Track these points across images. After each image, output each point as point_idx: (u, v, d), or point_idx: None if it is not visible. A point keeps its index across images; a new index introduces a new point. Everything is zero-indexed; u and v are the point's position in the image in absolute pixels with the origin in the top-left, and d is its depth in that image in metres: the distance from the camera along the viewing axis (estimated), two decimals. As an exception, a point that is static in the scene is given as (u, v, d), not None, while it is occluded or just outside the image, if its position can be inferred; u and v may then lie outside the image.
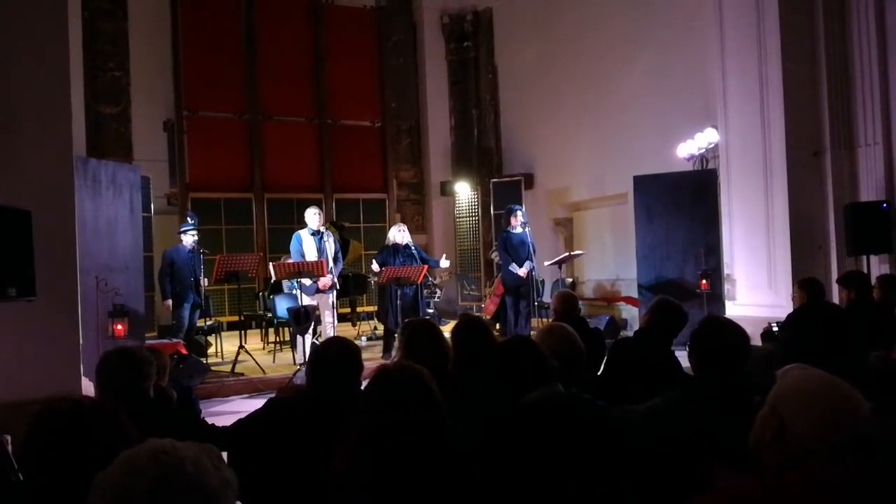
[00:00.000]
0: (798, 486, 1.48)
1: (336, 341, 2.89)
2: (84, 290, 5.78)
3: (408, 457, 1.87)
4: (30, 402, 2.72)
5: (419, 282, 8.13)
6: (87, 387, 5.01)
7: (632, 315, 9.95)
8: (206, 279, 8.24)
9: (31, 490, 1.65)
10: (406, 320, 4.31)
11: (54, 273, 4.80)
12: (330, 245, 7.89)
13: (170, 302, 8.03)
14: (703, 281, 8.22)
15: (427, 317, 8.12)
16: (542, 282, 10.04)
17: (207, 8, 11.55)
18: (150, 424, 1.91)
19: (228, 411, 6.13)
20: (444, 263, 8.64)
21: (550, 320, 5.22)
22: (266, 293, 9.74)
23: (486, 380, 3.00)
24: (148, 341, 7.19)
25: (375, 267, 8.15)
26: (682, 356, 3.16)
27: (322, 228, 7.98)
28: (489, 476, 2.06)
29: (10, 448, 2.35)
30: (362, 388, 2.16)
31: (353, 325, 10.69)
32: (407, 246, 8.25)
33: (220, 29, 11.67)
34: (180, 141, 11.24)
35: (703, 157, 8.89)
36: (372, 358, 7.91)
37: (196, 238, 8.23)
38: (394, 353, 7.36)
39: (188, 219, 8.60)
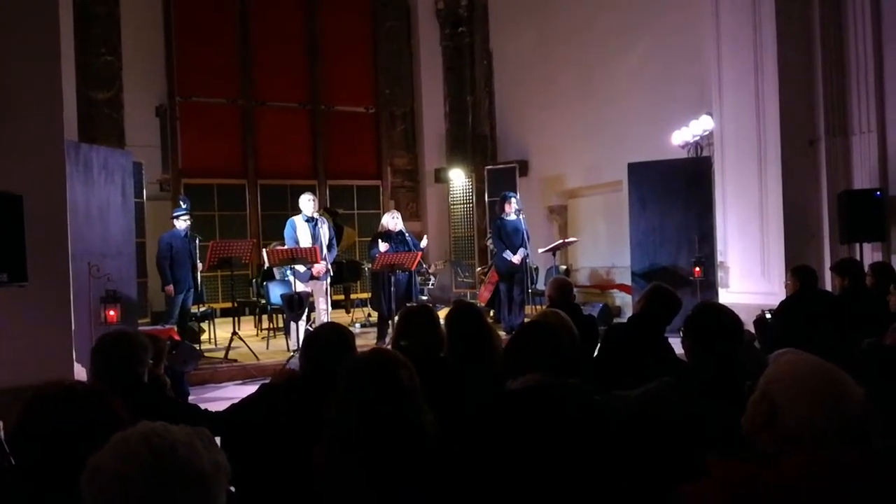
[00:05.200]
0: (790, 472, 1.48)
1: (329, 326, 2.90)
2: (76, 276, 5.77)
3: (373, 442, 1.89)
4: (22, 387, 2.71)
5: (413, 269, 8.12)
6: (80, 372, 5.00)
7: (625, 302, 9.98)
8: (200, 264, 8.21)
9: (23, 475, 1.65)
10: (404, 307, 4.32)
11: (46, 258, 4.78)
12: (324, 231, 7.87)
13: (171, 287, 7.97)
14: (697, 268, 8.24)
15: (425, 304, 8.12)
16: (536, 269, 10.05)
17: (200, -8, 11.46)
18: (144, 409, 1.91)
19: (222, 397, 6.13)
20: (424, 242, 8.60)
21: (545, 307, 5.23)
22: (259, 279, 9.72)
23: (478, 365, 3.01)
24: (140, 327, 7.17)
25: (383, 247, 8.02)
26: (676, 343, 3.17)
27: (316, 215, 7.95)
28: (475, 463, 2.06)
29: (2, 434, 2.35)
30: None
31: (347, 311, 10.69)
32: (400, 232, 8.23)
33: (214, 14, 11.58)
34: (173, 126, 11.16)
35: (697, 145, 8.88)
36: (366, 345, 7.90)
37: (189, 223, 8.19)
38: (387, 340, 7.34)
39: (181, 203, 8.55)
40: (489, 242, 10.01)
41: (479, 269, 11.13)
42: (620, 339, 3.58)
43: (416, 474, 1.90)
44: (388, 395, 1.98)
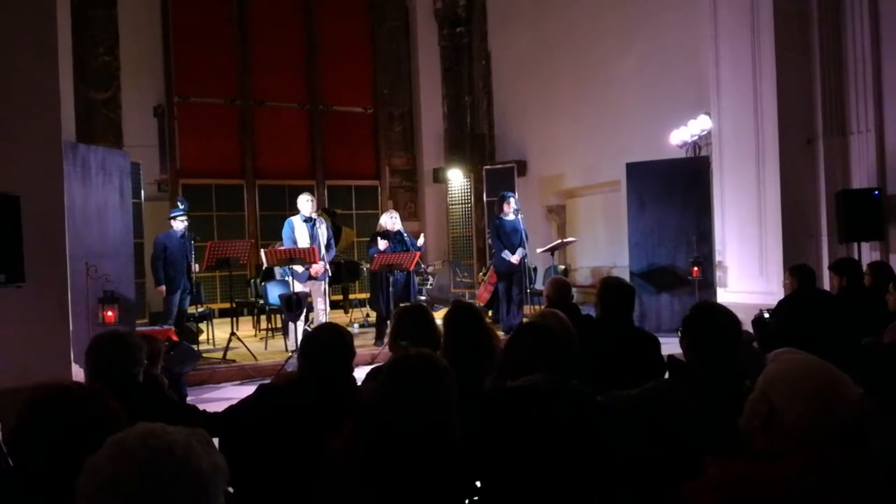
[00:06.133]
0: (787, 471, 1.48)
1: (328, 327, 2.89)
2: (74, 277, 5.76)
3: (409, 447, 1.88)
4: (20, 389, 2.71)
5: (411, 269, 8.12)
6: (78, 373, 4.99)
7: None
8: (196, 265, 8.20)
9: (21, 476, 1.64)
10: (400, 306, 4.32)
11: (44, 259, 4.78)
12: (322, 232, 7.86)
13: (163, 288, 7.99)
14: (695, 268, 8.24)
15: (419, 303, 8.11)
16: (535, 269, 10.05)
17: (198, -8, 11.45)
18: (141, 410, 1.90)
19: (220, 398, 6.13)
20: (421, 241, 8.60)
21: (543, 307, 5.23)
22: (258, 280, 9.71)
23: (476, 365, 3.01)
24: (138, 328, 7.16)
25: (382, 244, 8.01)
26: (673, 343, 3.17)
27: (314, 215, 7.95)
28: (476, 462, 2.06)
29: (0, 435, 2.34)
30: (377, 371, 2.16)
31: (346, 312, 10.68)
32: (398, 232, 8.23)
33: (212, 14, 11.57)
34: (171, 127, 11.16)
35: (695, 145, 8.88)
36: (364, 345, 7.91)
37: (186, 223, 8.19)
38: (385, 339, 7.28)
39: (178, 204, 8.55)
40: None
41: (480, 272, 11.12)
42: (597, 343, 3.59)
43: (438, 477, 1.90)
44: (435, 400, 1.98)
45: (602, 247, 10.93)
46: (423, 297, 9.82)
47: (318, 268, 7.67)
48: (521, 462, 2.08)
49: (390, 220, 8.29)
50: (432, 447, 1.92)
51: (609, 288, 3.77)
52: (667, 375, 2.69)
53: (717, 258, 8.30)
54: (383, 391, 2.02)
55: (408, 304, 3.61)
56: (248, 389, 3.16)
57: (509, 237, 8.68)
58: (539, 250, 9.49)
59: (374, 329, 8.57)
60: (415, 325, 3.03)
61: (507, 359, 2.44)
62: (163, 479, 1.10)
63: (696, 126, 8.61)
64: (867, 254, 7.04)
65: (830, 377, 1.55)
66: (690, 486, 1.57)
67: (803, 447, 1.49)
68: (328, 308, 8.13)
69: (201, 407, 3.23)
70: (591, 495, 2.06)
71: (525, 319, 8.30)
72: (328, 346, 2.62)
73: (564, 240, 10.07)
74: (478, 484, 2.17)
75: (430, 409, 1.96)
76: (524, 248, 8.60)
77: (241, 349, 7.63)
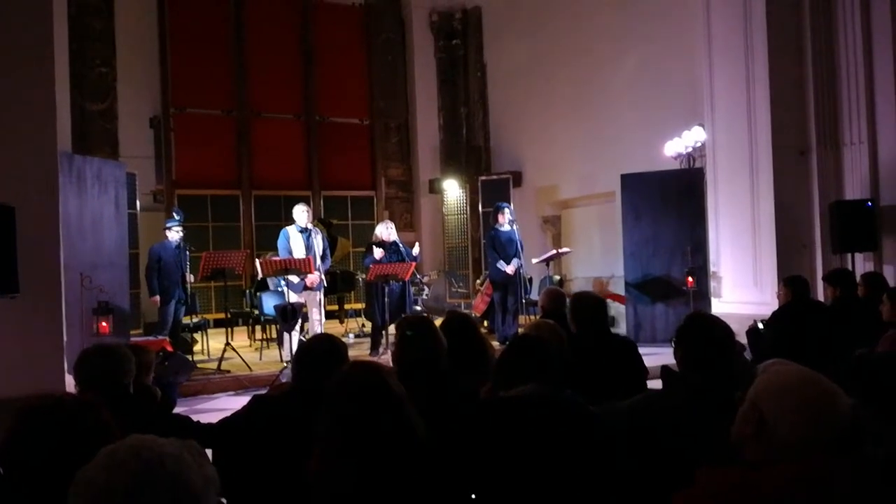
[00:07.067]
0: (779, 482, 1.48)
1: (322, 337, 2.88)
2: (68, 287, 5.75)
3: (371, 453, 1.88)
4: (13, 399, 2.70)
5: (407, 279, 8.12)
6: (71, 384, 4.97)
7: (619, 312, 9.98)
8: (191, 276, 8.19)
9: (13, 487, 1.64)
10: (403, 316, 4.30)
11: (38, 269, 4.77)
12: (318, 242, 7.86)
13: (157, 298, 7.98)
14: (690, 278, 8.26)
15: (417, 313, 8.10)
16: (530, 279, 10.05)
17: (195, 4, 11.48)
18: (132, 421, 1.90)
19: (214, 408, 6.10)
20: (416, 251, 8.59)
21: (538, 317, 5.23)
22: (253, 290, 9.70)
23: (471, 375, 3.01)
24: (133, 339, 7.14)
25: (378, 252, 8.00)
26: (667, 353, 3.17)
27: (310, 225, 7.95)
28: (465, 471, 2.06)
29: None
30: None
31: (341, 322, 10.67)
32: (394, 243, 8.23)
33: (208, 25, 11.60)
34: (167, 138, 11.17)
35: (690, 156, 8.92)
36: (359, 355, 7.89)
37: (182, 234, 8.18)
38: (381, 350, 7.26)
39: (174, 214, 8.55)
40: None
41: (477, 282, 11.12)
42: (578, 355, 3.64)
43: (409, 481, 1.90)
44: (383, 406, 1.97)
45: (597, 257, 10.95)
46: (418, 308, 9.82)
47: (313, 278, 7.66)
48: (515, 471, 2.08)
49: (386, 231, 8.29)
50: (397, 449, 1.91)
51: (580, 302, 3.85)
52: (660, 385, 2.70)
53: (712, 269, 8.32)
54: (330, 410, 2.01)
55: (412, 315, 3.63)
56: (242, 400, 3.16)
57: (505, 248, 8.69)
58: (534, 261, 9.50)
59: (369, 339, 8.56)
60: (419, 340, 2.97)
61: (500, 369, 2.44)
62: (155, 491, 1.09)
63: (691, 137, 8.65)
64: (861, 264, 7.07)
65: (820, 388, 1.56)
66: (681, 495, 1.57)
67: (793, 457, 1.50)
68: (323, 318, 8.11)
69: (195, 417, 3.22)
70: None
71: (520, 330, 8.32)
72: (323, 356, 2.61)
73: (559, 250, 10.08)
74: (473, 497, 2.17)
75: (384, 413, 1.95)
76: (520, 258, 8.61)
77: (236, 359, 7.61)
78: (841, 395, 1.56)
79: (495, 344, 7.15)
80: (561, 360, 2.41)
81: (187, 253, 8.13)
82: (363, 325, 10.13)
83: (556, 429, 2.14)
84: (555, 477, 2.07)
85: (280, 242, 7.87)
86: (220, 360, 7.61)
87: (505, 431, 2.16)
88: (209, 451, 2.17)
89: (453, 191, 12.54)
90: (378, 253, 7.97)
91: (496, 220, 8.84)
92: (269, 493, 2.40)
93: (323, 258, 7.89)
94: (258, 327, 9.32)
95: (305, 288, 7.73)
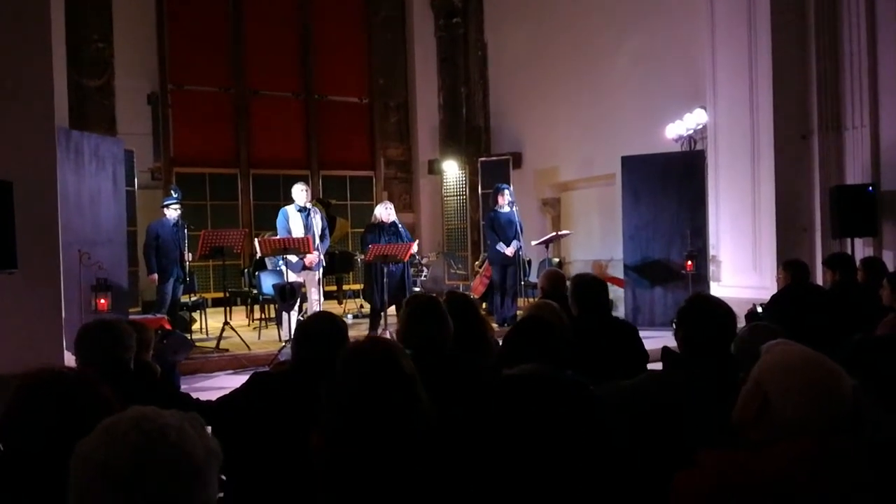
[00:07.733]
0: (781, 462, 1.48)
1: (322, 315, 2.87)
2: (67, 264, 5.74)
3: (379, 431, 1.87)
4: (11, 376, 2.69)
5: (406, 260, 8.10)
6: (70, 361, 4.97)
7: (618, 296, 9.98)
8: (190, 254, 8.17)
9: (12, 461, 1.63)
10: (410, 295, 4.27)
11: (36, 246, 4.76)
12: (317, 222, 7.83)
13: (155, 276, 7.95)
14: (689, 262, 8.26)
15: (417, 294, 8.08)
16: (529, 261, 10.05)
17: (193, -20, 11.38)
18: (133, 397, 1.89)
19: (213, 387, 6.11)
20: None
21: (537, 299, 5.23)
22: (251, 269, 9.69)
23: (471, 354, 3.01)
24: (132, 316, 7.14)
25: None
26: (666, 336, 3.18)
27: (309, 205, 7.92)
28: (468, 451, 2.06)
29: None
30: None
31: (340, 302, 10.67)
32: (393, 224, 8.20)
33: (207, 1, 11.49)
34: (165, 115, 11.10)
35: (691, 139, 8.88)
36: (359, 336, 7.88)
37: (179, 212, 8.14)
38: (379, 332, 7.24)
39: (172, 192, 8.51)
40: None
41: (476, 263, 11.11)
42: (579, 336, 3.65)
43: (416, 459, 1.89)
44: (394, 384, 1.96)
45: (596, 240, 10.94)
46: (417, 289, 9.82)
47: (312, 258, 7.64)
48: (519, 450, 2.08)
49: (385, 212, 8.25)
50: (405, 427, 1.91)
51: (582, 284, 3.86)
52: (661, 366, 2.70)
53: (711, 252, 8.32)
54: (340, 381, 1.99)
55: (418, 294, 3.64)
56: (241, 379, 3.15)
57: (504, 229, 8.67)
58: (534, 243, 9.49)
59: (367, 320, 8.56)
60: (426, 320, 2.93)
61: (504, 351, 2.44)
62: (156, 464, 1.08)
63: (692, 120, 8.61)
64: (860, 249, 7.06)
65: (824, 367, 1.56)
66: (683, 475, 1.57)
67: (796, 437, 1.50)
68: (322, 298, 8.11)
69: (194, 396, 3.22)
70: (587, 484, 2.06)
71: (519, 312, 8.33)
72: (322, 332, 2.60)
73: (559, 232, 10.07)
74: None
75: (394, 391, 1.94)
76: (519, 240, 8.60)
77: (235, 339, 7.62)
78: (844, 376, 1.56)
79: (494, 326, 7.16)
80: (562, 341, 2.41)
81: (185, 231, 8.09)
82: (361, 306, 10.13)
83: (558, 407, 2.14)
84: (556, 455, 2.07)
85: (279, 222, 7.84)
86: (219, 339, 7.61)
87: (507, 410, 2.15)
88: (208, 429, 2.16)
89: (452, 171, 12.49)
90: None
91: (496, 202, 8.81)
92: (268, 470, 2.40)
93: (322, 238, 7.87)
94: (256, 307, 9.32)
95: (304, 268, 7.71)
